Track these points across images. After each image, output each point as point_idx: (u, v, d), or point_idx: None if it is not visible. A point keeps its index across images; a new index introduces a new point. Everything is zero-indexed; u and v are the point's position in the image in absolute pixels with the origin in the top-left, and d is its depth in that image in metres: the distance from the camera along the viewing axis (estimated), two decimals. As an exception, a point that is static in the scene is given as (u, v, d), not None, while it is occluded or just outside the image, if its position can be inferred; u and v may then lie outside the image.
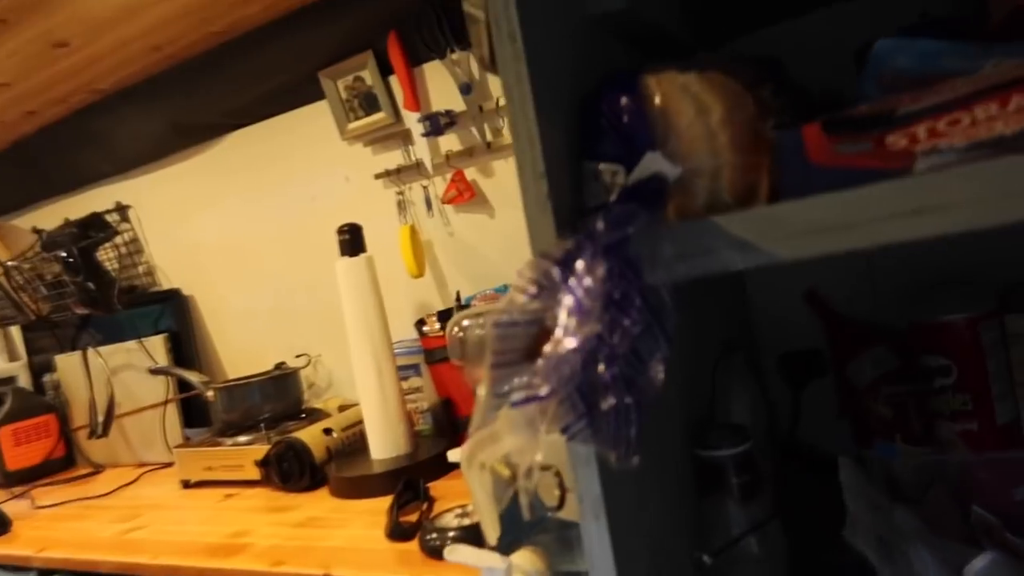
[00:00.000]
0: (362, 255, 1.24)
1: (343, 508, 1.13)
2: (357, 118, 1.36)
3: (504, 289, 1.29)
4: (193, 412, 1.69)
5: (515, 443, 0.61)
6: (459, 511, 0.93)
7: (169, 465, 1.65)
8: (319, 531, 1.04)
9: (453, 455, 0.87)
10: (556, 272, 0.42)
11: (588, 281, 0.41)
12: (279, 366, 1.61)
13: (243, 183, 1.61)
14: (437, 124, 1.23)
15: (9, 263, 1.73)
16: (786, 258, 0.46)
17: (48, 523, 1.36)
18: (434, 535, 0.88)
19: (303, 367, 1.58)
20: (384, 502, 1.07)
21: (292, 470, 1.25)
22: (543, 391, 0.43)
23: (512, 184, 1.29)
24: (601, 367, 0.43)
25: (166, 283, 1.79)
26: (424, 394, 1.36)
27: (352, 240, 1.24)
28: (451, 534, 0.87)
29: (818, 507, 0.79)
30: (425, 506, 1.04)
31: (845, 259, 1.01)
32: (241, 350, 1.72)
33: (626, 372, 0.47)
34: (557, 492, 0.57)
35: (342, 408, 1.51)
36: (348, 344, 1.24)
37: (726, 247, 0.47)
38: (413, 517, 0.99)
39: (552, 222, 0.52)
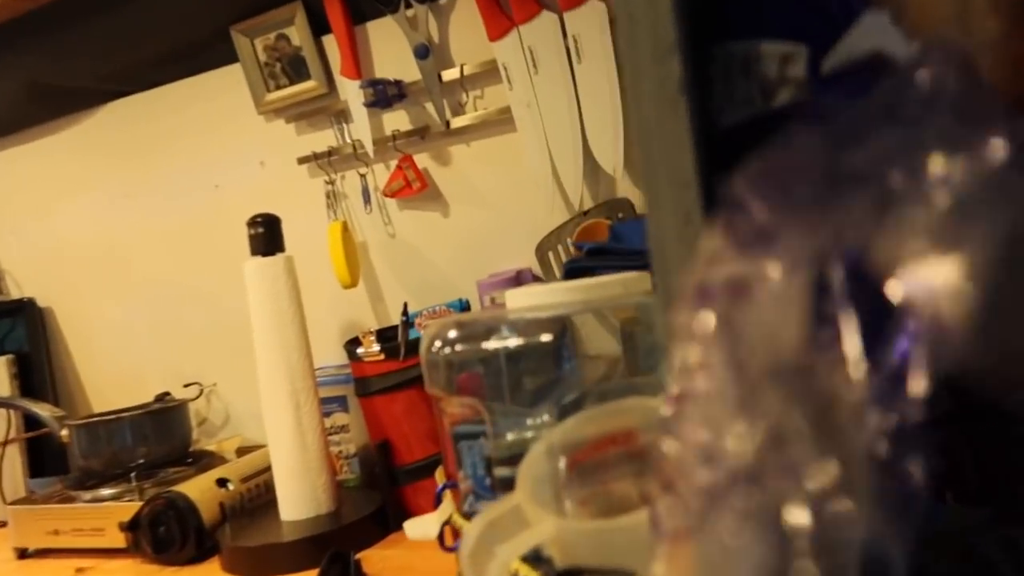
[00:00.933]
0: (279, 255, 0.96)
1: (242, 590, 0.84)
2: (279, 87, 1.09)
3: (460, 305, 1.04)
4: (46, 458, 1.33)
5: (566, 529, 0.37)
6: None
7: (2, 525, 1.28)
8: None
9: (413, 528, 0.61)
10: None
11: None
12: (162, 397, 1.28)
13: (124, 166, 1.29)
14: (384, 93, 0.98)
15: None
16: None
17: None
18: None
19: (193, 399, 1.26)
20: None
21: (171, 536, 0.94)
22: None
23: (475, 174, 1.06)
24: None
25: (16, 291, 1.42)
26: (351, 435, 1.08)
27: (267, 235, 0.96)
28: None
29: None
30: (357, 588, 0.76)
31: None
32: (113, 377, 1.38)
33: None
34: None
35: (242, 451, 1.21)
36: (256, 368, 0.96)
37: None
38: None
39: (687, 131, 0.28)
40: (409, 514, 0.97)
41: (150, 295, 1.32)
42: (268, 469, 1.08)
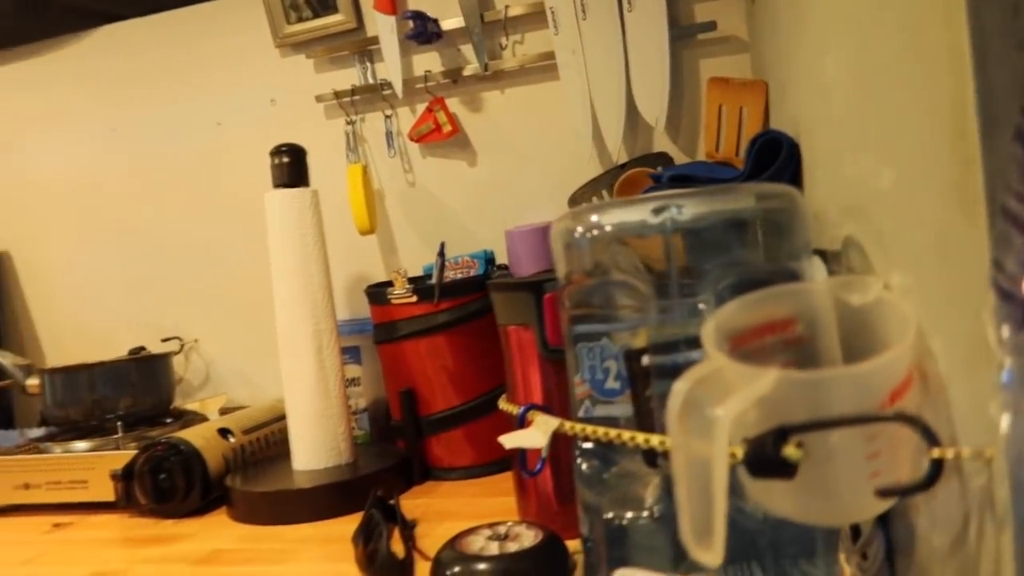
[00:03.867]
0: (306, 188, 0.91)
1: (262, 537, 0.78)
2: (301, 19, 1.04)
3: (484, 255, 1.01)
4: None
5: (788, 379, 0.35)
6: (489, 532, 0.63)
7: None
8: (241, 570, 0.68)
9: (514, 440, 0.58)
10: None
11: None
12: (137, 352, 1.19)
13: (112, 97, 1.19)
14: (424, 28, 0.95)
15: None
16: None
17: None
18: (461, 568, 0.58)
19: (175, 353, 1.17)
20: (319, 529, 0.78)
21: (174, 485, 0.86)
22: None
23: (506, 122, 1.03)
24: None
25: (-33, 233, 1.29)
26: (361, 389, 1.03)
27: (293, 165, 0.91)
28: (488, 566, 0.57)
29: None
30: (398, 531, 0.72)
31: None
32: (77, 330, 1.27)
33: None
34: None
35: (225, 411, 1.13)
36: (273, 309, 0.90)
37: None
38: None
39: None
40: (431, 467, 0.93)
41: (127, 242, 1.22)
42: (271, 422, 1.02)
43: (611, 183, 0.97)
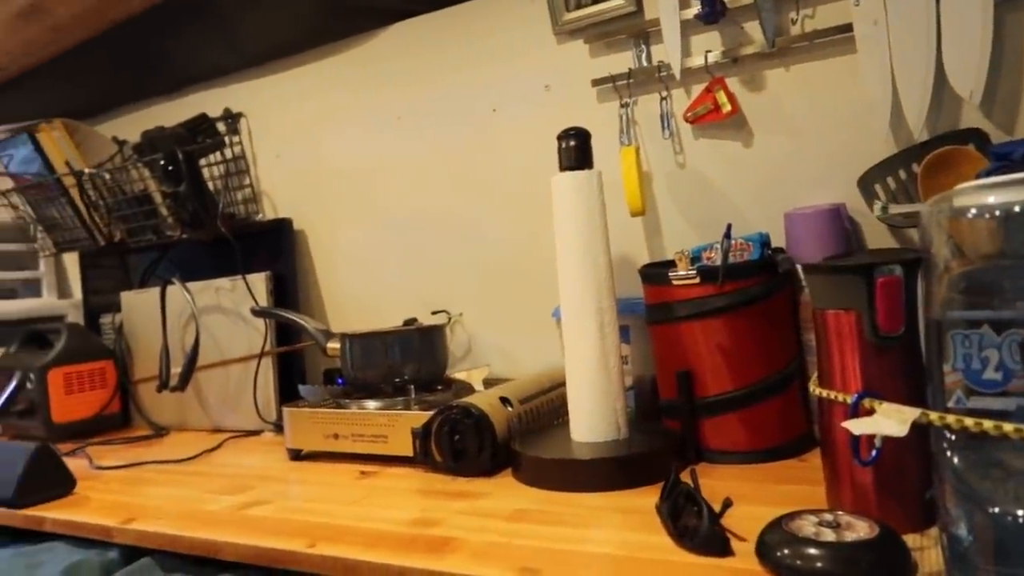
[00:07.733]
0: (592, 170, 0.94)
1: (555, 501, 0.82)
2: (580, 6, 1.07)
3: (760, 238, 0.98)
4: (282, 372, 1.37)
5: None
6: (815, 518, 0.62)
7: (255, 434, 1.34)
8: (552, 529, 0.73)
9: (865, 426, 0.56)
10: None
11: None
12: (410, 323, 1.30)
13: (400, 88, 1.30)
14: (712, 7, 0.94)
15: (88, 171, 1.42)
16: None
17: (122, 487, 1.04)
18: (790, 550, 0.57)
19: (444, 325, 1.27)
20: (604, 499, 0.81)
21: (466, 445, 0.94)
22: None
23: (789, 100, 0.99)
24: None
25: (271, 212, 1.48)
26: (628, 368, 1.05)
27: (579, 148, 0.94)
28: (827, 552, 0.56)
29: None
30: (698, 510, 0.72)
31: None
32: (356, 301, 1.41)
33: None
34: None
35: (489, 383, 1.20)
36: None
37: None
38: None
39: None
40: (702, 448, 0.93)
41: (404, 221, 1.34)
42: (540, 394, 1.07)
43: (909, 163, 0.91)
